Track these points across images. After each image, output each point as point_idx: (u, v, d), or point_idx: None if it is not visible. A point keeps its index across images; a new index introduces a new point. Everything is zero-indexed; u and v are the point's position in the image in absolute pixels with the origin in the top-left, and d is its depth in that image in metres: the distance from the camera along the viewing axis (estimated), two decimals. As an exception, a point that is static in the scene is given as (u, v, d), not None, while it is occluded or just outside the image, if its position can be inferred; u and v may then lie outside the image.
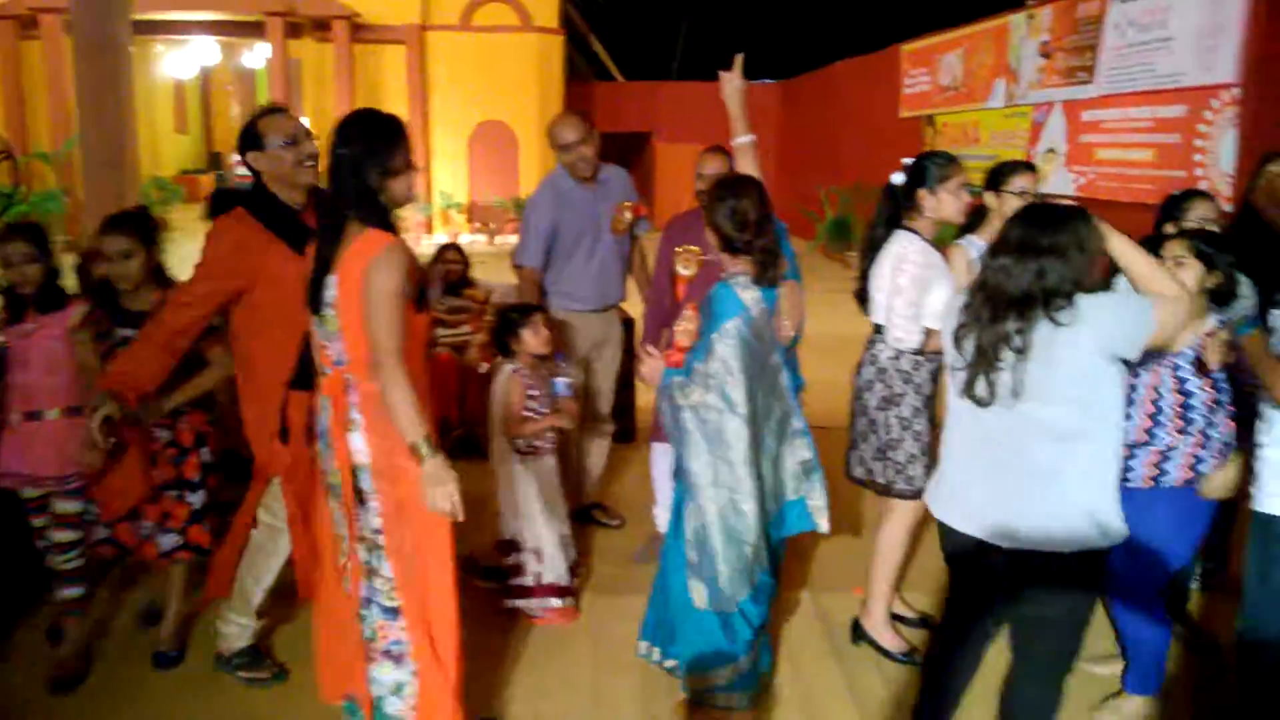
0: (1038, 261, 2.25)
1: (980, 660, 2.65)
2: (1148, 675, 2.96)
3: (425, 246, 7.82)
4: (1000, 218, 3.29)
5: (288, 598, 3.22)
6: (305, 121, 3.35)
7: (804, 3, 25.22)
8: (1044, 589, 2.39)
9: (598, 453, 4.49)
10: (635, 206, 4.22)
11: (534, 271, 4.11)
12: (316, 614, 2.81)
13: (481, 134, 17.95)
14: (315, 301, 2.48)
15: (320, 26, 16.97)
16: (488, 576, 3.75)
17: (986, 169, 3.66)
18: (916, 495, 3.28)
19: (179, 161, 22.47)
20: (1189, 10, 7.17)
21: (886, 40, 14.51)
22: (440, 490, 2.40)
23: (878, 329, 3.29)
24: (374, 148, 2.42)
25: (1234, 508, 3.11)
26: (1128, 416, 2.71)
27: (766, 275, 2.82)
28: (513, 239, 4.89)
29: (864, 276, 3.36)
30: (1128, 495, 2.73)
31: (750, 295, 2.75)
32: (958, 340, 2.41)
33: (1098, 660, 3.27)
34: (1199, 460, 2.73)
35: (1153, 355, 2.57)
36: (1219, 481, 2.73)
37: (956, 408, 2.48)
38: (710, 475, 2.75)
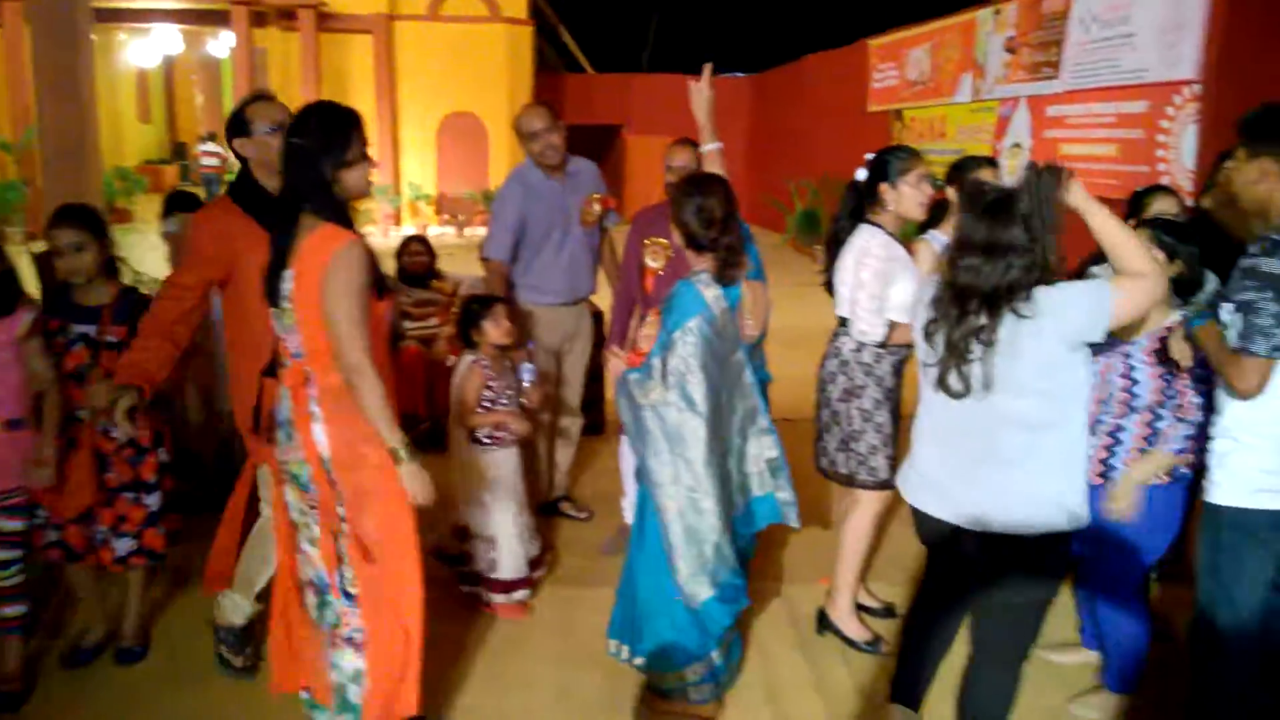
0: (1004, 259, 2.28)
1: (954, 637, 2.71)
2: (1127, 672, 2.98)
3: (393, 238, 7.77)
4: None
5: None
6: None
7: (774, -4, 25.28)
8: (1014, 573, 2.45)
9: (567, 446, 4.49)
10: (604, 199, 4.22)
11: (501, 264, 4.10)
12: (273, 604, 2.81)
13: (450, 125, 17.85)
14: (273, 294, 2.48)
15: (286, 15, 16.78)
16: (448, 562, 3.74)
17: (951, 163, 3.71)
18: (880, 486, 3.32)
19: (142, 151, 22.16)
20: (1152, 7, 7.25)
21: (856, 34, 14.57)
22: (420, 490, 2.49)
23: (842, 322, 3.33)
24: (329, 139, 2.42)
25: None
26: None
27: (727, 273, 2.84)
28: (482, 231, 4.88)
29: (828, 270, 3.40)
30: (1149, 489, 2.78)
31: (712, 293, 2.77)
32: (928, 335, 2.45)
33: (1055, 648, 3.33)
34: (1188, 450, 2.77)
35: (1109, 343, 2.62)
36: (1136, 473, 2.74)
37: (928, 397, 2.53)
38: (670, 474, 2.76)
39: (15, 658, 3.06)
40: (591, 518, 4.49)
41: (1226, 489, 2.44)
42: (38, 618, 3.34)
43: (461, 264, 8.61)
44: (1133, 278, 2.28)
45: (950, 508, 2.47)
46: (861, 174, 3.30)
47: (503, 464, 3.62)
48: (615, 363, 2.93)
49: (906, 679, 2.81)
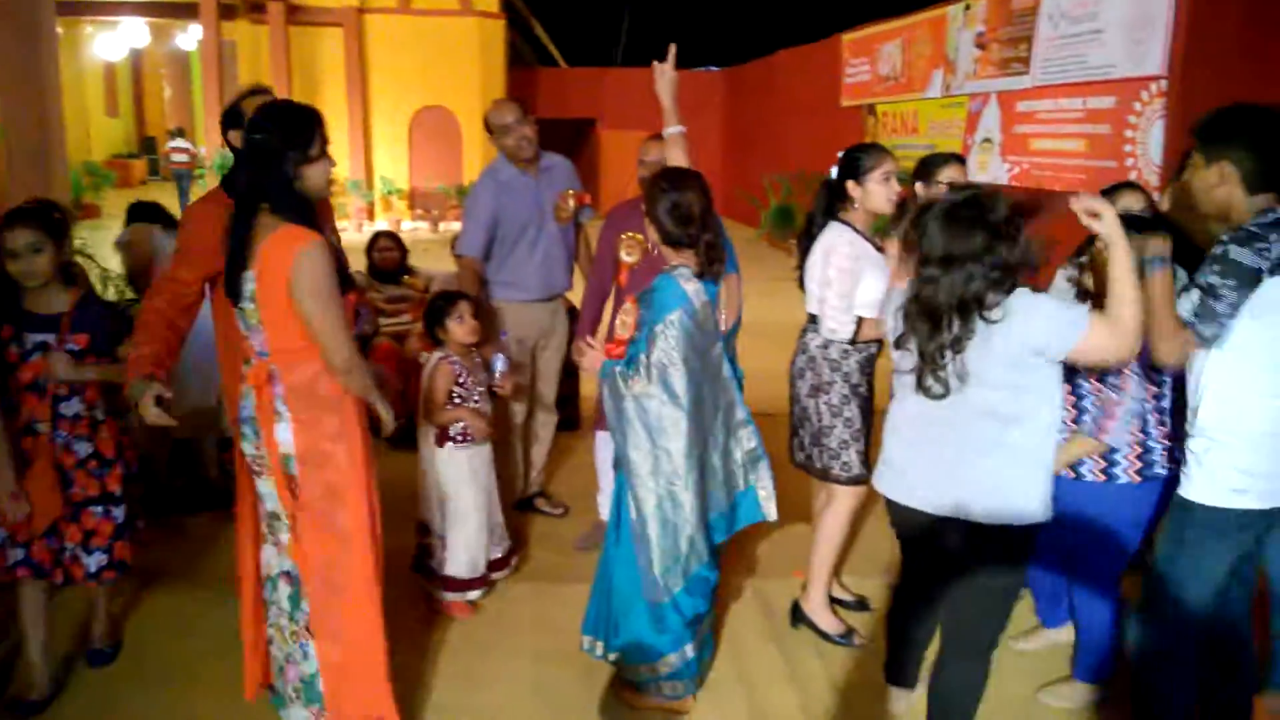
0: (964, 269, 2.28)
1: (938, 620, 2.75)
2: (1101, 662, 3.02)
3: (367, 233, 7.72)
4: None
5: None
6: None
7: (747, -10, 25.32)
8: (985, 562, 2.49)
9: (542, 442, 4.49)
10: (579, 195, 4.20)
11: (474, 261, 4.08)
12: (242, 603, 2.80)
13: (422, 119, 17.74)
14: (234, 294, 2.47)
15: (255, 8, 16.62)
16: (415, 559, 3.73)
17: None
18: (854, 481, 3.35)
19: (110, 146, 21.91)
20: (1119, 4, 7.32)
21: (829, 29, 14.61)
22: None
23: (812, 318, 3.35)
24: (293, 135, 2.41)
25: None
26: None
27: (711, 269, 2.85)
28: (457, 225, 4.85)
29: (802, 266, 3.42)
30: (1100, 487, 2.82)
31: (693, 287, 2.77)
32: (899, 345, 2.48)
33: (1020, 636, 3.38)
34: (1146, 451, 2.81)
35: None
36: (1061, 457, 2.75)
37: (901, 393, 2.56)
38: (650, 465, 2.77)
39: None
40: (567, 513, 4.49)
41: (1201, 486, 2.44)
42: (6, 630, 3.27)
43: (435, 259, 8.58)
44: (1111, 326, 2.27)
45: (925, 498, 2.51)
46: (835, 172, 3.33)
47: (474, 461, 3.59)
48: (592, 355, 2.93)
49: (898, 663, 2.91)
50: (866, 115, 12.94)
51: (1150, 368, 2.70)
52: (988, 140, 9.49)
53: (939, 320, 2.34)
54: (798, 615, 3.53)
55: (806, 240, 3.41)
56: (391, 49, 17.21)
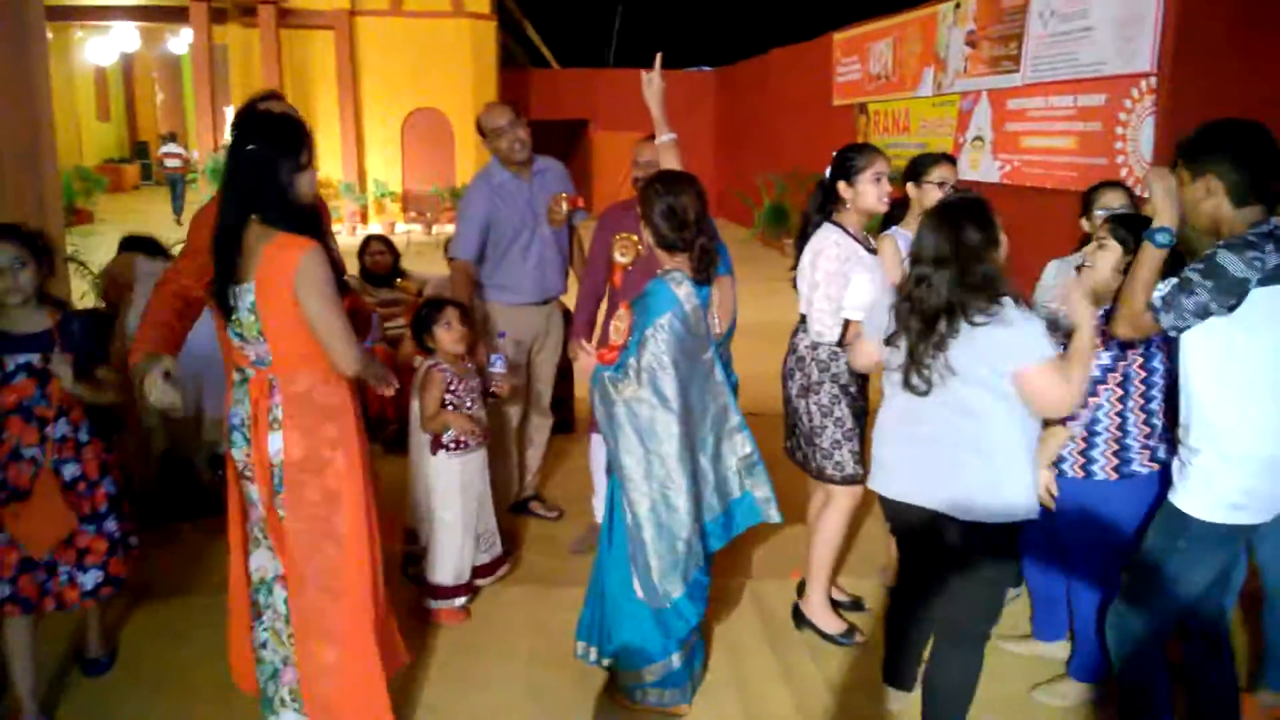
0: (957, 270, 2.38)
1: (934, 620, 2.77)
2: (1095, 661, 3.01)
3: (360, 236, 7.72)
4: (921, 208, 3.40)
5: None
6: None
7: (739, -10, 25.34)
8: (976, 556, 2.54)
9: (537, 446, 4.48)
10: (572, 198, 4.19)
11: (467, 264, 4.07)
12: (231, 607, 2.80)
13: (415, 122, 17.71)
14: (225, 309, 2.46)
15: (246, 12, 16.57)
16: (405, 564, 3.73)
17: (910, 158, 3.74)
18: (848, 480, 3.35)
19: (102, 150, 21.87)
20: (1109, 1, 7.35)
21: (820, 28, 14.63)
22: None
23: (803, 319, 3.36)
24: (286, 144, 2.41)
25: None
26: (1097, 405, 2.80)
27: (704, 273, 2.85)
28: (451, 228, 4.85)
29: (797, 266, 3.43)
30: (1080, 483, 2.83)
31: (684, 290, 2.77)
32: (890, 342, 2.55)
33: (1011, 639, 3.38)
34: (1124, 449, 2.82)
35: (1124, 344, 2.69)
36: (1043, 453, 2.75)
37: (891, 391, 2.61)
38: (642, 470, 2.77)
39: None
40: (561, 517, 4.48)
41: (1199, 501, 2.43)
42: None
43: (429, 262, 8.57)
44: (1062, 376, 2.37)
45: (915, 493, 2.56)
46: (828, 172, 3.35)
47: (468, 468, 3.58)
48: (585, 359, 2.92)
49: (896, 664, 2.94)
50: (858, 114, 12.96)
51: (1127, 344, 2.73)
52: (979, 138, 9.51)
53: (930, 319, 2.40)
54: (800, 618, 3.53)
55: (802, 241, 3.42)
56: (383, 51, 17.18)
